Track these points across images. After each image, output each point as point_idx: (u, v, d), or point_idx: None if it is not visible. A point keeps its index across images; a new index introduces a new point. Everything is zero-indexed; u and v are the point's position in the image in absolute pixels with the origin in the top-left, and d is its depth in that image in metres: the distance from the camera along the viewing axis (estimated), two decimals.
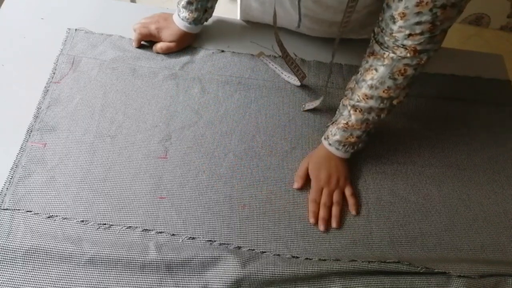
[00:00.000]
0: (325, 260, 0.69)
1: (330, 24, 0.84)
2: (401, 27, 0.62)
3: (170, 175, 0.75)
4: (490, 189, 0.80)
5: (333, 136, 0.76)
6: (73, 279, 0.64)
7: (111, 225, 0.70)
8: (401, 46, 0.64)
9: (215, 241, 0.70)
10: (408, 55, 0.64)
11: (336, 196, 0.76)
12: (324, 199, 0.75)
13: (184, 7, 0.84)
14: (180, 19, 0.85)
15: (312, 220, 0.73)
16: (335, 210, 0.75)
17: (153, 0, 1.91)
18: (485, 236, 0.75)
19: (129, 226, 0.70)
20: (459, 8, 0.60)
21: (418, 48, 0.63)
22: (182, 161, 0.77)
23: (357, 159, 0.81)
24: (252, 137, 0.81)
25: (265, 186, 0.76)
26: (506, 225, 0.77)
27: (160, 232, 0.70)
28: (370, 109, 0.71)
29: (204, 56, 0.89)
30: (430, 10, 0.58)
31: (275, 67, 0.89)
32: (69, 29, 0.89)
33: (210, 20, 0.91)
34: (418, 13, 0.59)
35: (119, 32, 0.90)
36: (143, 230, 0.70)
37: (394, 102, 0.71)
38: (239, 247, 0.70)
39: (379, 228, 0.74)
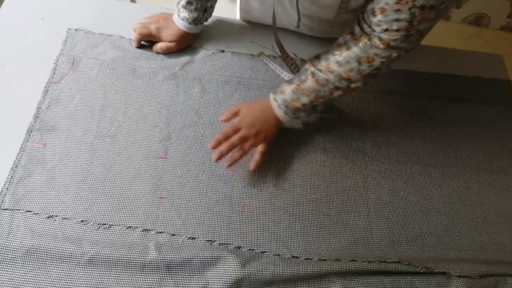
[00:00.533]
0: (325, 260, 0.69)
1: (331, 24, 0.84)
2: (380, 21, 0.63)
3: (170, 175, 0.75)
4: (490, 189, 0.80)
5: (282, 94, 0.75)
6: (73, 279, 0.64)
7: (111, 225, 0.70)
8: (377, 36, 0.65)
9: (215, 241, 0.70)
10: (381, 46, 0.65)
11: (246, 144, 0.74)
12: (235, 137, 0.74)
13: (184, 7, 0.84)
14: (180, 19, 0.85)
15: (210, 145, 0.73)
16: (237, 153, 0.74)
17: (153, 0, 1.91)
18: (485, 236, 0.75)
19: (129, 226, 0.70)
20: (438, 11, 0.60)
21: (392, 43, 0.64)
22: (182, 161, 0.77)
23: (357, 159, 0.81)
24: None
25: (265, 186, 0.76)
26: (506, 225, 0.77)
27: (160, 232, 0.70)
28: (326, 82, 0.71)
29: (204, 56, 0.89)
30: (409, 9, 0.59)
31: (275, 67, 0.89)
32: (69, 29, 0.89)
33: (210, 20, 0.91)
34: (397, 11, 0.60)
35: (119, 32, 0.90)
36: (143, 230, 0.70)
37: (352, 85, 0.71)
38: (239, 247, 0.70)
39: (379, 228, 0.74)
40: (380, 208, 0.76)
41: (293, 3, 0.79)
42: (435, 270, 0.69)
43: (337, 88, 0.72)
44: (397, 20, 0.61)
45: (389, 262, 0.69)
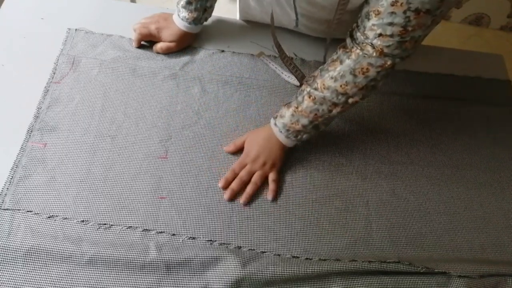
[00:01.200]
0: (326, 260, 0.69)
1: (329, 24, 0.84)
2: (373, 25, 0.62)
3: (171, 175, 0.75)
4: (490, 189, 0.80)
5: (281, 118, 0.75)
6: (73, 279, 0.64)
7: (111, 225, 0.70)
8: (370, 44, 0.64)
9: (215, 241, 0.70)
10: (374, 54, 0.64)
11: (255, 177, 0.75)
12: (242, 173, 0.75)
13: (184, 7, 0.83)
14: (179, 19, 0.85)
15: (220, 185, 0.75)
16: (249, 188, 0.75)
17: (153, 0, 1.91)
18: (485, 236, 0.75)
19: (130, 226, 0.70)
20: (434, 17, 0.59)
21: (385, 50, 0.63)
22: (182, 161, 0.77)
23: (357, 159, 0.81)
24: None
25: (265, 186, 0.76)
26: (506, 225, 0.77)
27: (161, 232, 0.70)
28: (323, 100, 0.70)
29: (204, 56, 0.89)
30: (404, 12, 0.58)
31: (275, 67, 0.89)
32: (69, 29, 0.89)
33: (210, 20, 0.91)
34: (391, 13, 0.59)
35: (119, 32, 0.90)
36: (143, 230, 0.70)
37: (350, 100, 0.70)
38: (240, 247, 0.70)
39: (380, 228, 0.74)
40: (380, 208, 0.76)
41: (290, 3, 0.79)
42: (436, 270, 0.69)
43: (335, 104, 0.70)
44: (391, 24, 0.60)
45: (389, 262, 0.69)
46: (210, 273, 0.66)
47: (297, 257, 0.70)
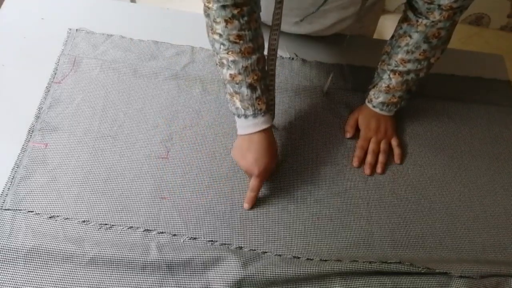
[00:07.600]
0: (326, 260, 0.69)
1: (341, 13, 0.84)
2: None
3: (172, 176, 0.75)
4: (491, 189, 0.81)
5: (376, 99, 0.80)
6: (74, 279, 0.64)
7: (112, 225, 0.70)
8: (436, 8, 0.66)
9: (216, 241, 0.70)
10: (442, 19, 0.67)
11: (383, 145, 0.81)
12: (372, 146, 0.80)
13: (249, 97, 0.65)
14: (252, 119, 0.67)
15: (355, 164, 0.79)
16: (381, 157, 0.80)
17: (153, 0, 1.91)
18: (486, 237, 0.75)
19: (131, 226, 0.70)
20: None
21: (454, 5, 0.65)
22: (183, 161, 0.77)
23: None
24: None
25: (266, 186, 0.76)
26: (507, 226, 0.77)
27: (162, 232, 0.70)
28: (408, 71, 0.75)
29: (205, 56, 0.89)
30: None
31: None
32: (70, 29, 0.89)
33: None
34: None
35: (120, 32, 0.90)
36: (144, 230, 0.70)
37: (432, 60, 0.74)
38: (240, 247, 0.70)
39: (380, 228, 0.74)
40: (381, 208, 0.76)
41: None
42: (436, 271, 0.69)
43: (420, 70, 0.75)
44: None
45: (390, 263, 0.69)
46: (211, 273, 0.66)
47: (298, 258, 0.70)
